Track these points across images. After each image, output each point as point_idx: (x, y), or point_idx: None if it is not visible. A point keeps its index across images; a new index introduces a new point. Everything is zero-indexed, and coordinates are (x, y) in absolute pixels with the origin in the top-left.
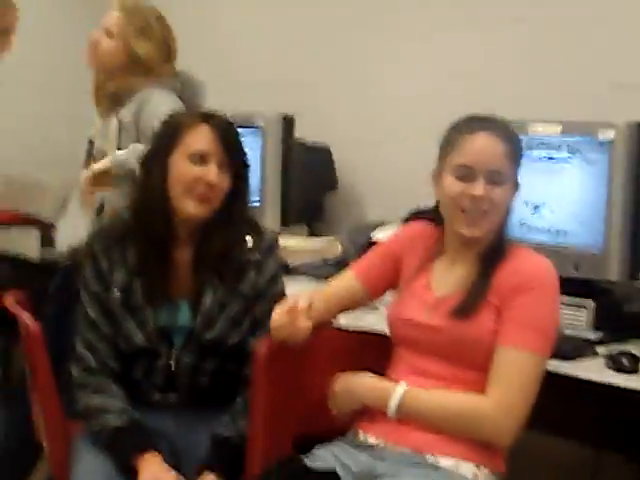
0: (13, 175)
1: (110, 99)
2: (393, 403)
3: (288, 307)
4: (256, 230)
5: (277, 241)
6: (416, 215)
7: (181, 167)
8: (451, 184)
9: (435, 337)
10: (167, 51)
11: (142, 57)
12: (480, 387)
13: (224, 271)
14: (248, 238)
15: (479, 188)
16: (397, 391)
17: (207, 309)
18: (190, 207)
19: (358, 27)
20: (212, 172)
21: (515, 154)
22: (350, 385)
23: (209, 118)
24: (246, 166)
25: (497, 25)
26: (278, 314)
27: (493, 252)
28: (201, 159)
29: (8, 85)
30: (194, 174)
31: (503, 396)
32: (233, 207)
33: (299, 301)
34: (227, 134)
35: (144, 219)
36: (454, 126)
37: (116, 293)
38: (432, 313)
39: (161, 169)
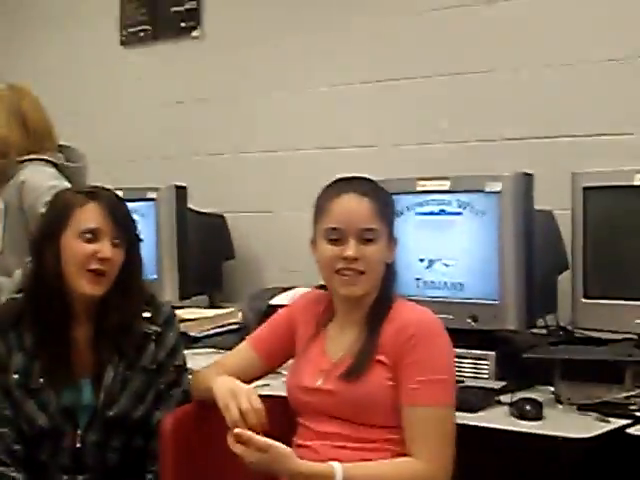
0: None
1: None
2: None
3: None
4: (153, 303)
5: (174, 313)
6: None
7: (73, 246)
8: (324, 249)
9: (331, 401)
10: (25, 129)
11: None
12: (384, 444)
13: (124, 346)
14: (146, 312)
15: (350, 249)
16: (337, 477)
17: (109, 386)
18: (85, 286)
19: (245, 95)
20: (105, 247)
21: (385, 210)
22: (279, 470)
23: (96, 195)
24: (138, 239)
25: (382, 85)
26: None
27: (377, 311)
28: (92, 236)
29: None
30: (87, 251)
31: (432, 455)
32: (128, 281)
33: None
34: (116, 209)
35: (39, 301)
36: (322, 192)
37: (15, 377)
38: (327, 378)
39: (53, 250)
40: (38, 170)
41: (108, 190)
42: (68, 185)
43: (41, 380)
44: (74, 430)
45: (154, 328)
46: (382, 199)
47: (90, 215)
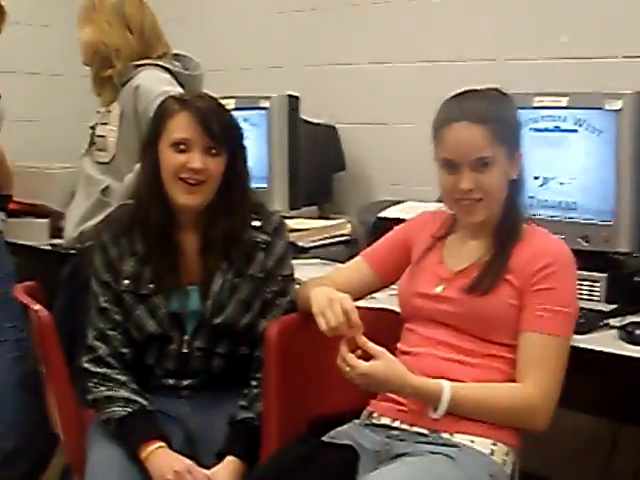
0: (21, 165)
1: (103, 88)
2: (442, 408)
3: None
4: (262, 212)
5: (284, 222)
6: None
7: (167, 156)
8: (442, 178)
9: (449, 309)
10: (131, 34)
11: (107, 45)
12: (492, 361)
13: (232, 254)
14: (255, 221)
15: (466, 181)
16: (444, 395)
17: (217, 293)
18: (180, 196)
19: (360, 4)
20: (195, 158)
21: (502, 131)
22: (387, 381)
23: (189, 104)
24: (241, 147)
25: None
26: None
27: (507, 229)
28: (184, 146)
29: (12, 74)
30: (177, 162)
31: (544, 384)
32: (232, 191)
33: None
34: (209, 118)
35: (144, 208)
36: (437, 114)
37: (126, 282)
38: (446, 286)
39: (152, 158)
40: (153, 75)
41: (207, 97)
42: (179, 90)
43: (151, 286)
44: (181, 335)
45: (263, 237)
46: (499, 119)
47: (180, 125)
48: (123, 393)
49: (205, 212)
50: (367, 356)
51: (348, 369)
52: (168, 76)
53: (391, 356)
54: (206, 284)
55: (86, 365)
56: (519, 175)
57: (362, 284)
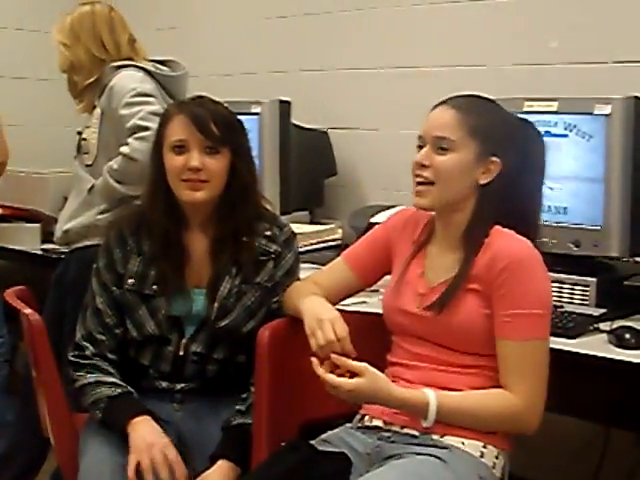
0: (12, 170)
1: (82, 96)
2: (430, 417)
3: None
4: (276, 223)
5: (295, 234)
6: None
7: (168, 159)
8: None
9: (426, 327)
10: (101, 44)
11: (72, 65)
12: (478, 370)
13: (242, 260)
14: (267, 231)
15: (419, 155)
16: (431, 405)
17: (224, 297)
18: (184, 195)
19: (351, 10)
20: (193, 157)
21: (472, 123)
22: (374, 396)
23: (186, 107)
24: (241, 145)
25: (496, 2)
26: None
27: (471, 235)
28: (182, 148)
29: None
30: (177, 164)
31: (529, 390)
32: (236, 188)
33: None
34: (204, 117)
35: (150, 211)
36: None
37: (130, 281)
38: (423, 304)
39: (158, 162)
40: (125, 75)
41: (205, 99)
42: (149, 87)
43: (154, 287)
44: (179, 338)
45: (274, 247)
46: (476, 112)
47: (177, 128)
48: (111, 379)
49: (212, 212)
50: (352, 373)
51: (333, 390)
52: (141, 74)
53: (374, 370)
54: (213, 287)
55: (73, 359)
56: (494, 185)
57: (342, 285)
